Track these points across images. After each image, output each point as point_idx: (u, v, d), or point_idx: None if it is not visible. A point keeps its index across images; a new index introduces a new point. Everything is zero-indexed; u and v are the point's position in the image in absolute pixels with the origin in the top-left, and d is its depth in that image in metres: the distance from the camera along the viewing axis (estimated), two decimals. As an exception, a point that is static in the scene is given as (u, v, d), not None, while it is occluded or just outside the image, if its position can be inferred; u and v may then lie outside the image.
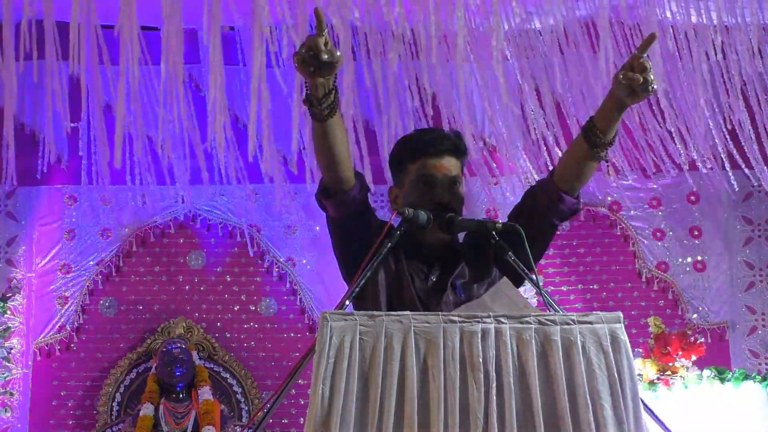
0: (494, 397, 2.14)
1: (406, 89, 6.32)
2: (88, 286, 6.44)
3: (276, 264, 6.55)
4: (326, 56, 2.44)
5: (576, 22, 5.73)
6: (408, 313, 2.22)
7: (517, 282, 2.69)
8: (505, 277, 2.63)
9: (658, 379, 5.61)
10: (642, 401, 2.25)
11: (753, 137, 5.99)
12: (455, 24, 5.28)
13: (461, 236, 2.91)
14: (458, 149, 2.81)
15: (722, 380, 5.62)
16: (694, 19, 5.64)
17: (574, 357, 2.20)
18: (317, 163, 2.74)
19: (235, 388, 6.35)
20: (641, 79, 2.56)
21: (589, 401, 2.17)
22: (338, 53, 2.46)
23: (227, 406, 6.19)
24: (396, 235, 2.58)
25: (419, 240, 2.76)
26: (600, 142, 2.69)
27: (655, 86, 2.59)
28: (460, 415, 2.13)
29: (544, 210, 2.80)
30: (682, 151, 6.16)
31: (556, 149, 6.39)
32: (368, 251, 2.52)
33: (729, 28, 5.53)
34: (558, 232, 6.69)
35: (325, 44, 2.44)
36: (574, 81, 6.19)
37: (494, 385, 2.15)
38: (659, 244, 6.59)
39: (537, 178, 6.60)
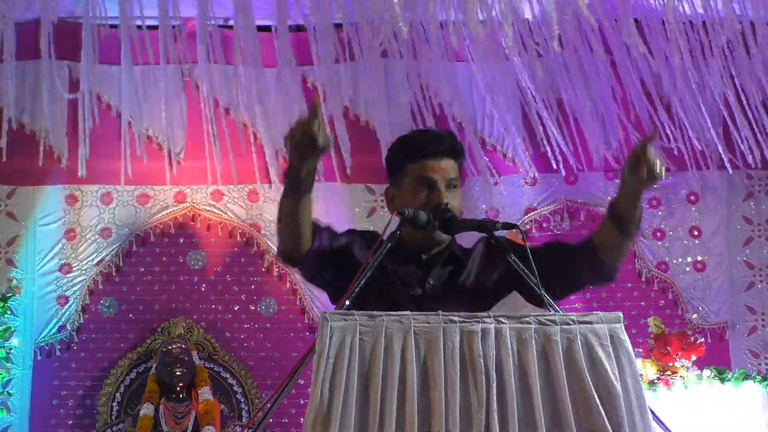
0: (495, 397, 2.14)
1: (407, 88, 6.33)
2: (88, 285, 6.44)
3: (276, 264, 6.55)
4: (322, 141, 2.46)
5: (575, 18, 5.73)
6: (408, 313, 2.21)
7: (534, 300, 2.65)
8: (514, 291, 2.61)
9: (658, 379, 5.61)
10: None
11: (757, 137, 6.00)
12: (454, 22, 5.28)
13: (462, 240, 2.89)
14: (456, 151, 2.80)
15: (722, 380, 5.63)
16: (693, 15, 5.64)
17: (574, 357, 2.20)
18: (277, 231, 2.73)
19: (235, 388, 6.35)
20: (646, 172, 2.59)
21: (590, 401, 2.17)
22: (330, 137, 2.49)
23: (227, 406, 6.19)
24: (396, 235, 2.58)
25: (419, 243, 2.75)
26: (626, 225, 2.70)
27: (663, 173, 2.61)
28: (460, 415, 2.12)
29: (580, 271, 2.80)
30: (682, 151, 6.17)
31: (557, 149, 6.40)
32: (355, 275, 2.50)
33: (726, 26, 5.53)
34: (557, 233, 6.74)
35: (319, 128, 2.45)
36: (575, 79, 6.20)
37: (495, 385, 2.15)
38: (659, 244, 6.59)
39: (537, 177, 6.62)
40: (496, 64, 6.22)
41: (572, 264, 2.78)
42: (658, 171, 2.59)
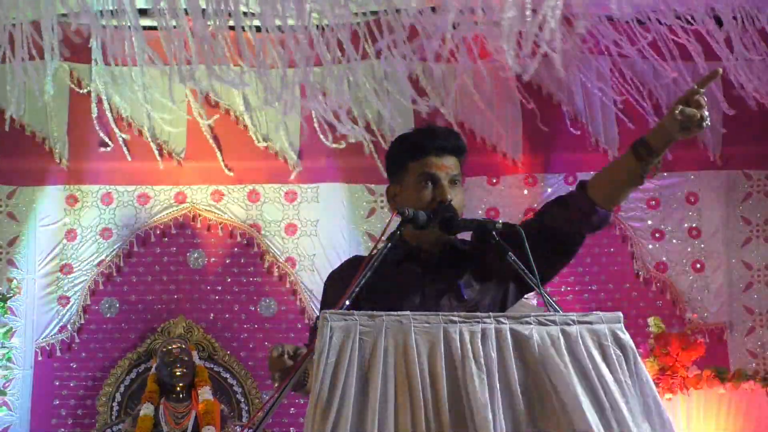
0: (499, 397, 2.14)
1: (407, 88, 6.33)
2: (89, 286, 6.44)
3: (276, 264, 6.55)
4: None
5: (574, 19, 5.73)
6: (408, 313, 2.21)
7: (523, 287, 2.67)
8: (521, 300, 2.62)
9: (658, 379, 5.62)
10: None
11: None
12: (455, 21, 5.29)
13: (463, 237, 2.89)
14: (458, 148, 2.79)
15: (722, 380, 5.63)
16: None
17: (575, 357, 2.20)
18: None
19: (236, 388, 6.35)
20: (698, 116, 2.50)
21: (592, 400, 2.17)
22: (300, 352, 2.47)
23: (227, 406, 6.19)
24: (396, 235, 2.58)
25: (418, 243, 2.75)
26: (648, 157, 2.62)
27: (708, 123, 2.52)
28: (463, 415, 2.12)
29: (575, 221, 2.73)
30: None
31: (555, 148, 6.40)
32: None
33: (725, 25, 5.53)
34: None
35: (295, 353, 2.45)
36: (573, 79, 6.20)
37: (498, 385, 2.15)
38: (658, 244, 6.59)
39: (536, 176, 6.62)
40: (496, 64, 6.23)
41: (567, 221, 2.73)
42: (706, 117, 2.51)
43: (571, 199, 2.75)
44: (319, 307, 6.57)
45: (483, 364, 2.16)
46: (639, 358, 2.27)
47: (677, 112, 2.51)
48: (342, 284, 2.68)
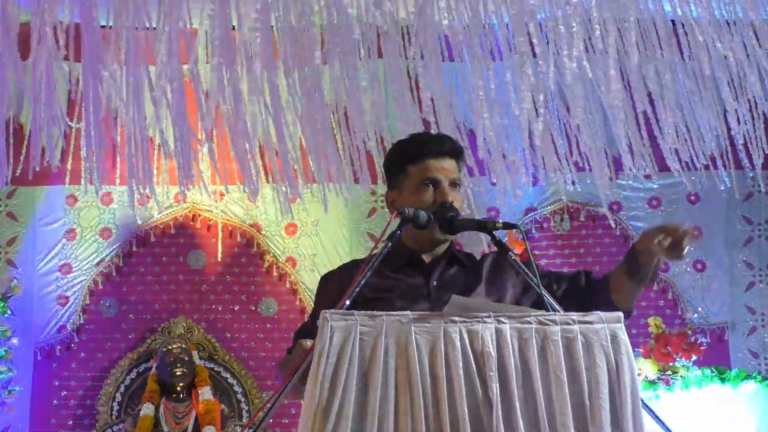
0: (498, 397, 2.14)
1: (405, 90, 6.32)
2: (88, 286, 6.44)
3: (276, 264, 6.55)
4: None
5: (573, 18, 5.72)
6: (408, 313, 2.21)
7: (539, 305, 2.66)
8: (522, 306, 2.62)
9: (658, 379, 5.61)
10: (642, 401, 2.25)
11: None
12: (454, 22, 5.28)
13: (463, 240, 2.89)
14: (456, 151, 2.82)
15: (722, 380, 5.63)
16: (695, 13, 5.63)
17: (575, 356, 2.20)
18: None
19: (236, 388, 6.35)
20: (671, 251, 2.65)
21: (590, 400, 2.17)
22: None
23: (227, 406, 6.19)
24: (397, 235, 2.58)
25: (419, 244, 2.75)
26: (641, 275, 2.79)
27: (685, 253, 2.68)
28: (463, 415, 2.12)
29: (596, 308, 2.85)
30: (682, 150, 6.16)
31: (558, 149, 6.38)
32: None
33: (729, 24, 5.51)
34: (558, 233, 6.73)
35: None
36: (574, 79, 6.18)
37: (497, 385, 2.15)
38: (659, 243, 6.58)
39: (537, 177, 6.60)
40: (493, 64, 6.22)
41: (590, 303, 2.78)
42: (682, 255, 2.67)
43: (598, 295, 2.84)
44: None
45: (483, 363, 2.16)
46: (633, 361, 2.27)
47: (655, 243, 2.63)
48: (336, 285, 2.71)
